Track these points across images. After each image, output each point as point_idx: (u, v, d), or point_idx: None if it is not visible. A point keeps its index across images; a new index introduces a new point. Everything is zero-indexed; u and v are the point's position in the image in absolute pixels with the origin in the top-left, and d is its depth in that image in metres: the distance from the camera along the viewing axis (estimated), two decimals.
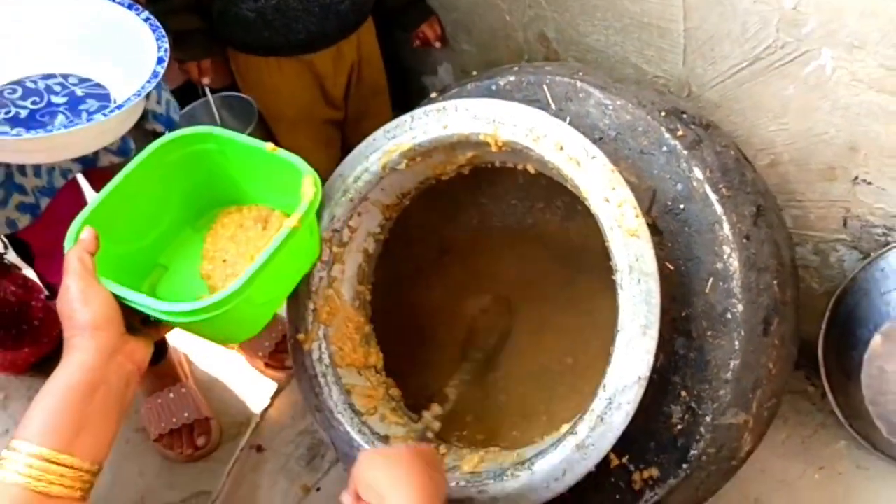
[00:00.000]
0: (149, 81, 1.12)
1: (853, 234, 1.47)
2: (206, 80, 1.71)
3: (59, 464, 0.90)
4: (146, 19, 1.21)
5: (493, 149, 1.17)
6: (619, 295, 1.08)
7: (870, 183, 1.38)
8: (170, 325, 1.13)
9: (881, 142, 1.31)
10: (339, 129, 1.89)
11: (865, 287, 1.44)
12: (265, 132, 1.82)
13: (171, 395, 1.76)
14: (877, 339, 1.39)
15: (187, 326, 1.10)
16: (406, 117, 1.22)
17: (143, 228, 1.23)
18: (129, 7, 1.22)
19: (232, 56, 1.76)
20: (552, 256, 1.54)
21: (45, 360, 1.88)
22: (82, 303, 0.99)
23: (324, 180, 1.82)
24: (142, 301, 1.04)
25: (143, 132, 1.50)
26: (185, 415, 1.74)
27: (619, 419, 1.07)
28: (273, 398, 1.81)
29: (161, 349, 1.79)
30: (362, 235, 1.34)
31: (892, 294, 1.40)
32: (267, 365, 1.85)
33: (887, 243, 1.44)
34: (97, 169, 1.46)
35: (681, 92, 1.48)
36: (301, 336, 1.29)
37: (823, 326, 1.50)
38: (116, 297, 1.02)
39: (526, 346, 1.49)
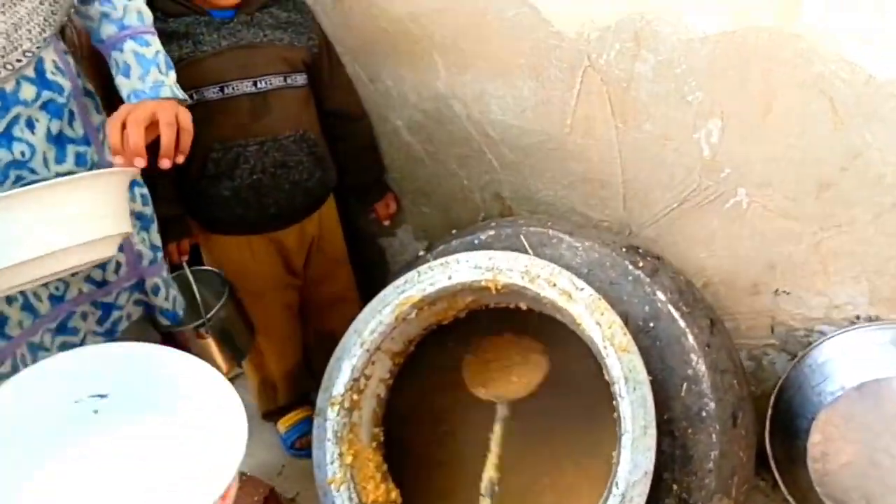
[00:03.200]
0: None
1: (780, 338, 1.73)
2: (184, 258, 1.86)
3: None
4: None
5: (493, 292, 1.37)
6: (618, 403, 1.27)
7: (788, 293, 1.65)
8: None
9: (794, 258, 1.59)
10: (297, 291, 2.05)
11: (798, 383, 1.68)
12: (236, 300, 1.96)
13: None
14: (815, 426, 1.61)
15: None
16: (413, 273, 1.42)
17: None
18: None
19: (202, 236, 1.92)
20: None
21: None
22: None
23: (282, 339, 1.99)
24: None
25: (142, 327, 1.64)
26: None
27: None
28: None
29: None
30: (375, 382, 1.50)
31: (822, 385, 1.64)
32: None
33: (809, 343, 1.70)
34: None
35: (623, 232, 1.75)
36: (331, 479, 1.41)
37: (767, 423, 1.72)
38: None
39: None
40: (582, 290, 1.32)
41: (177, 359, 1.25)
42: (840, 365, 1.63)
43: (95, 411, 1.24)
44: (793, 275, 1.62)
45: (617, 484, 1.25)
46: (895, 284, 1.55)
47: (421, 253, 1.58)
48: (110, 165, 1.41)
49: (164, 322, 1.63)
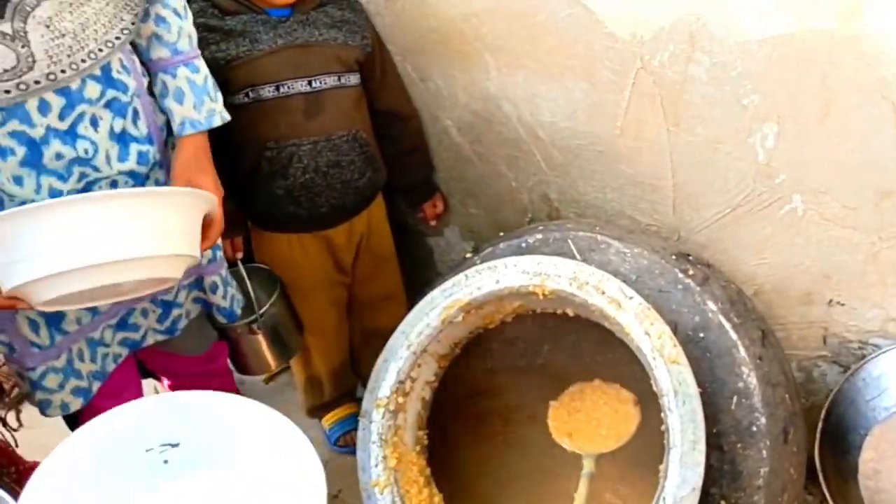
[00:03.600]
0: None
1: (832, 350, 1.69)
2: (238, 255, 1.88)
3: None
4: None
5: (540, 298, 1.36)
6: (667, 416, 1.25)
7: (843, 304, 1.61)
8: None
9: (849, 269, 1.55)
10: (346, 289, 2.05)
11: (851, 397, 1.64)
12: (286, 297, 1.98)
13: None
14: (868, 442, 1.57)
15: None
16: (461, 276, 1.40)
17: None
18: None
19: (254, 233, 1.93)
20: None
21: None
22: None
23: (330, 337, 2.00)
24: None
25: (201, 324, 1.66)
26: None
27: None
28: None
29: None
30: (421, 385, 1.49)
31: (876, 401, 1.59)
32: None
33: (863, 356, 1.65)
34: (144, 348, 1.59)
35: (672, 237, 1.71)
36: (375, 482, 1.41)
37: (818, 437, 1.68)
38: None
39: None
40: (631, 298, 1.30)
41: (247, 407, 1.25)
42: None
43: (166, 461, 1.25)
44: (848, 285, 1.58)
45: (664, 499, 1.23)
46: None
47: (468, 255, 1.57)
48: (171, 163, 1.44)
49: (221, 319, 1.66)
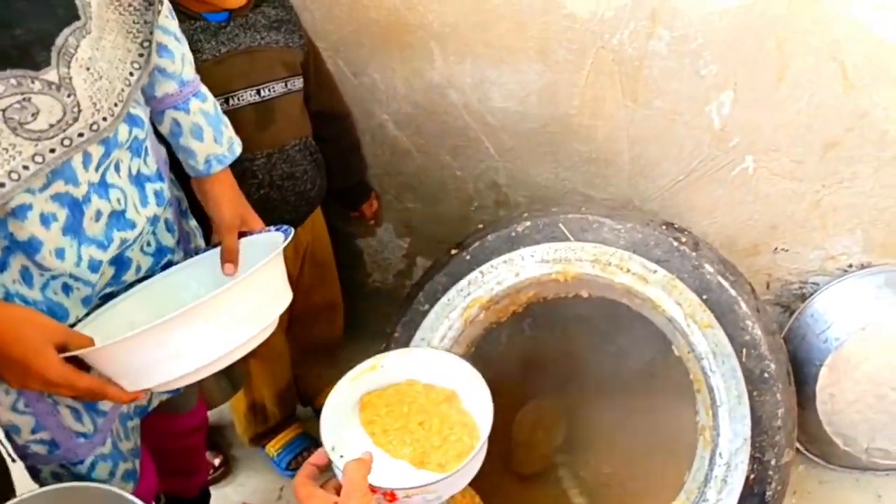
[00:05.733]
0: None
1: (775, 293, 1.83)
2: None
3: None
4: None
5: (562, 283, 1.36)
6: (709, 378, 1.30)
7: (787, 250, 1.75)
8: None
9: (795, 217, 1.69)
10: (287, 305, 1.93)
11: (802, 333, 1.79)
12: None
13: None
14: (823, 372, 1.72)
15: None
16: (476, 273, 1.37)
17: None
18: None
19: None
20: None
21: None
22: None
23: (274, 358, 1.89)
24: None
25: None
26: None
27: (739, 478, 1.28)
28: None
29: None
30: None
31: (826, 333, 1.75)
32: None
33: (803, 295, 1.81)
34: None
35: (625, 208, 1.77)
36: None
37: None
38: None
39: None
40: (655, 272, 1.34)
41: None
42: (841, 311, 1.74)
43: None
44: (793, 232, 1.71)
45: (720, 454, 1.28)
46: (888, 231, 1.67)
47: (453, 251, 1.53)
48: (179, 201, 1.33)
49: None
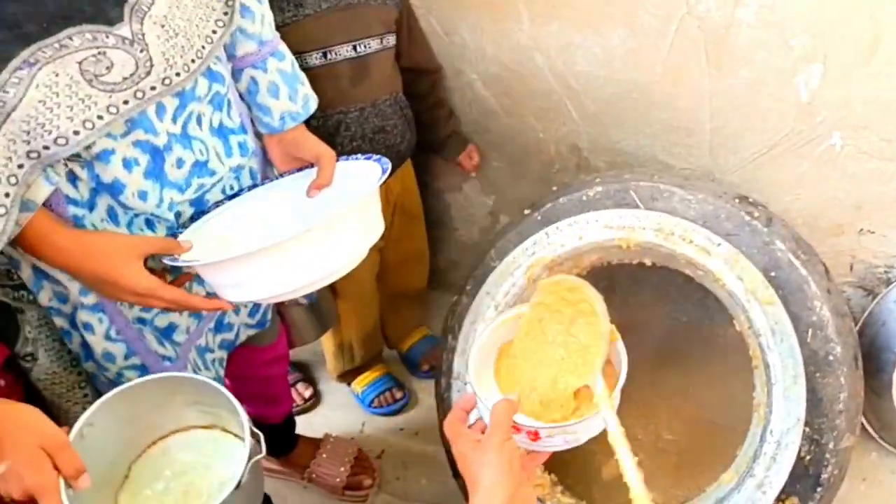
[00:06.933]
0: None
1: (858, 276, 1.78)
2: None
3: None
4: None
5: (625, 250, 1.37)
6: (766, 355, 1.29)
7: (873, 232, 1.69)
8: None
9: (883, 198, 1.63)
10: (378, 252, 2.00)
11: (882, 318, 1.74)
12: None
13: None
14: None
15: None
16: (541, 234, 1.40)
17: None
18: None
19: None
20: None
21: None
22: None
23: (363, 302, 1.97)
24: None
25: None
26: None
27: (789, 457, 1.27)
28: None
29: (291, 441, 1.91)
30: None
31: None
32: (345, 490, 1.90)
33: (888, 279, 1.75)
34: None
35: (706, 179, 1.75)
36: None
37: None
38: None
39: None
40: (719, 245, 1.33)
41: None
42: None
43: None
44: (880, 214, 1.66)
45: (771, 431, 1.28)
46: None
47: (526, 211, 1.56)
48: (264, 151, 1.38)
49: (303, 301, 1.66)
